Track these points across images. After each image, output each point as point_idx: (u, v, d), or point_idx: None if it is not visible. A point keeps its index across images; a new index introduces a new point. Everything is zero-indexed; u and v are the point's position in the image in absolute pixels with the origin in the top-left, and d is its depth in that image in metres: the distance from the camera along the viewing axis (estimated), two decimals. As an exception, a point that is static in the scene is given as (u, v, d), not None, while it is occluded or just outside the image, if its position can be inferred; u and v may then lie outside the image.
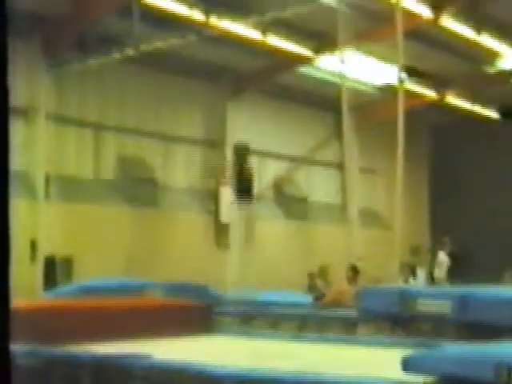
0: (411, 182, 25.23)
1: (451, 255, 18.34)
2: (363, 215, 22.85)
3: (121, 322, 6.73)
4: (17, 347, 6.09)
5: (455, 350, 5.27)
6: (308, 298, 13.78)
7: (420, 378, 4.69)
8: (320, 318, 10.12)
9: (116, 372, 5.64)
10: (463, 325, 8.48)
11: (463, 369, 4.57)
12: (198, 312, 7.74)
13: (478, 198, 26.67)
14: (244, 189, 11.03)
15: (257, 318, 10.94)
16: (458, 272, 18.44)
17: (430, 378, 4.68)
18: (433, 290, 10.18)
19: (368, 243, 18.54)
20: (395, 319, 8.91)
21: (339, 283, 13.65)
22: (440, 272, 17.67)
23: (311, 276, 17.04)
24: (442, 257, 17.83)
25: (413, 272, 20.03)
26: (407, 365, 4.73)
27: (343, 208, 24.77)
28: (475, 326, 8.18)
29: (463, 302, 8.28)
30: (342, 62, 16.89)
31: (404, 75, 21.02)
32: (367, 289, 10.07)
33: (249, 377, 4.99)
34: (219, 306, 9.73)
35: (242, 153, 16.62)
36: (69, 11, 17.05)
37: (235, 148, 14.37)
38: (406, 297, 8.76)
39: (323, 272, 16.59)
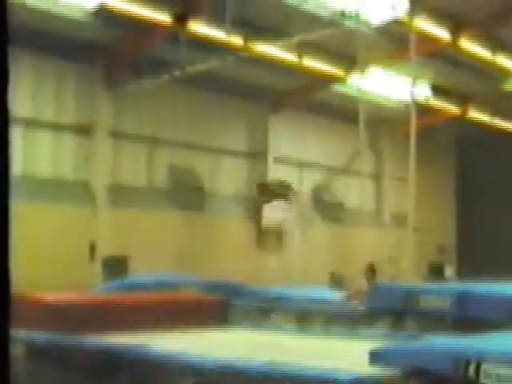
0: (440, 189, 24.77)
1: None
2: (394, 219, 22.50)
3: (134, 316, 6.71)
4: (53, 337, 6.15)
5: (422, 343, 5.09)
6: (334, 295, 13.54)
7: (386, 371, 4.53)
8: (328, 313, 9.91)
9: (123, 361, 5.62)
10: (460, 320, 8.24)
11: (425, 361, 4.41)
12: (214, 306, 7.67)
13: (502, 205, 26.09)
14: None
15: (282, 312, 10.80)
16: None
17: (394, 371, 4.52)
18: (434, 286, 9.90)
19: (397, 244, 18.26)
20: (399, 314, 8.68)
21: (358, 282, 13.41)
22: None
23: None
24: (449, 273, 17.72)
25: (440, 270, 19.63)
26: (374, 358, 4.58)
27: (376, 213, 24.47)
28: (472, 321, 7.93)
29: (461, 299, 8.02)
30: (368, 79, 16.74)
31: (430, 92, 20.63)
32: (374, 286, 9.84)
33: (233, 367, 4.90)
34: (252, 301, 9.59)
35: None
36: (125, 40, 17.25)
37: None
38: (409, 293, 8.52)
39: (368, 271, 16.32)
